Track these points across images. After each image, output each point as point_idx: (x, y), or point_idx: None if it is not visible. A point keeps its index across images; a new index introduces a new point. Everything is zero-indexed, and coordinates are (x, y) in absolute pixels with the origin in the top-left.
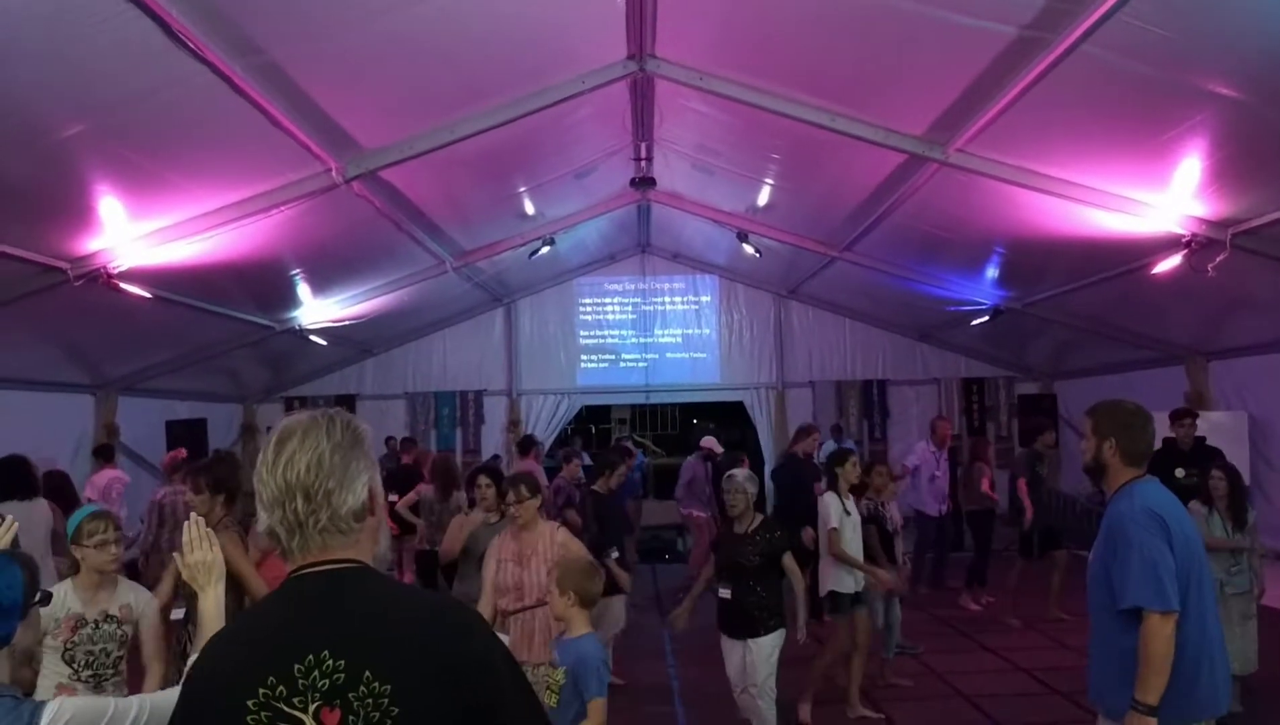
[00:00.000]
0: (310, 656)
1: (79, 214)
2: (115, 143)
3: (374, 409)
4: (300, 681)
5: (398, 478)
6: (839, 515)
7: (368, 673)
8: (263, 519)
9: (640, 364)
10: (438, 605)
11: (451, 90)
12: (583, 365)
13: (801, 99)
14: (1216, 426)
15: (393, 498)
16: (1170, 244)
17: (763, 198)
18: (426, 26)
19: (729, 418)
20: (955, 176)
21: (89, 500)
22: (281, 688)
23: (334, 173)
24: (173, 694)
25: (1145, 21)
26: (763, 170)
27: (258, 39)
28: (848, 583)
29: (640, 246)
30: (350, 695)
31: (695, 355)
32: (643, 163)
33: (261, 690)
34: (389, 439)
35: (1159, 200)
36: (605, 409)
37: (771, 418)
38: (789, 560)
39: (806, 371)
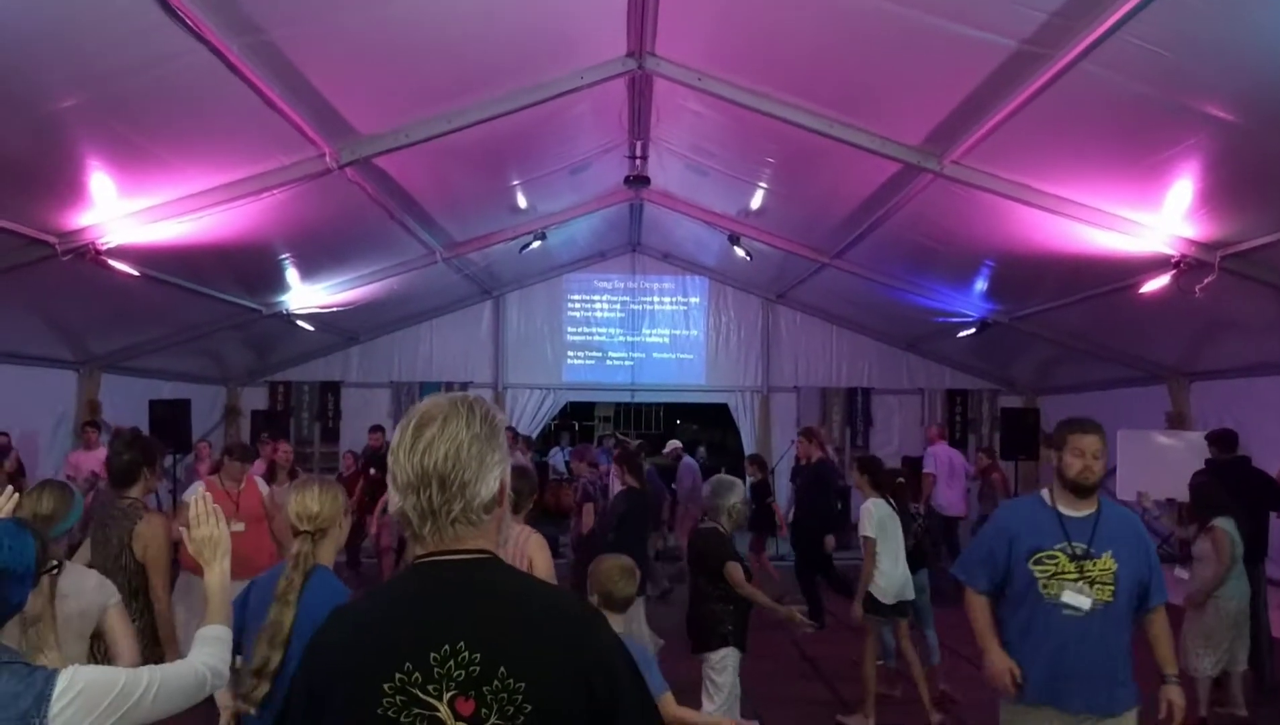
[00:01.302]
0: (446, 646)
1: (69, 188)
2: (108, 117)
3: (358, 397)
4: (436, 670)
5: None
6: (879, 522)
7: (503, 668)
8: (394, 500)
9: (627, 362)
10: (565, 602)
11: (450, 80)
12: (569, 361)
13: (799, 104)
14: (1195, 446)
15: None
16: (1159, 264)
17: (756, 201)
18: (428, 15)
19: (712, 420)
20: (950, 188)
21: (68, 477)
22: (417, 674)
23: (328, 158)
24: (183, 667)
25: (1146, 41)
26: (757, 174)
27: (256, 18)
28: (887, 591)
29: (631, 245)
30: (485, 689)
31: (682, 356)
32: (637, 161)
33: (398, 675)
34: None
35: (1150, 220)
36: (589, 406)
37: (755, 422)
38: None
39: (792, 376)
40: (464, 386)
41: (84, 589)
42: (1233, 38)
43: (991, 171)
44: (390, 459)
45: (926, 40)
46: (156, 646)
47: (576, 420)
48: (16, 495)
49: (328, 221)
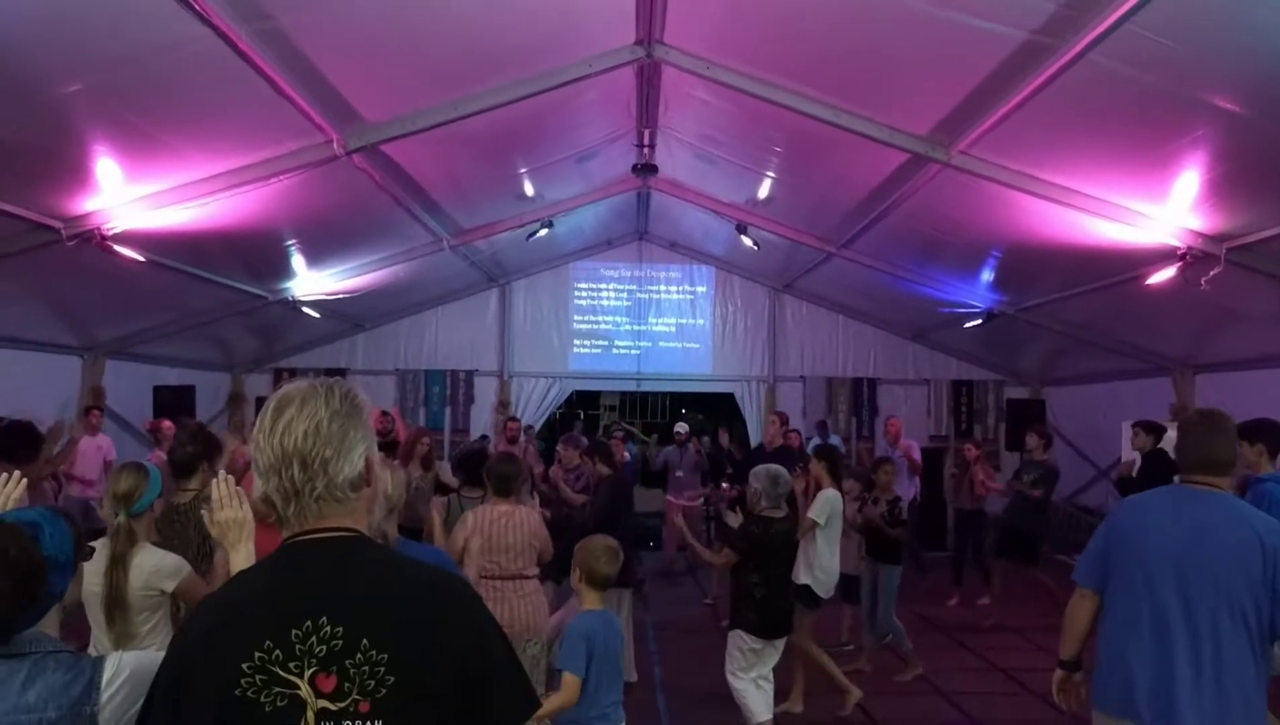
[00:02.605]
0: (308, 622)
1: (74, 173)
2: (114, 102)
3: (364, 384)
4: (297, 647)
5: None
6: (831, 513)
7: (365, 640)
8: (258, 486)
9: (633, 351)
10: (434, 576)
11: (457, 67)
12: (575, 350)
13: (807, 93)
14: None
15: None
16: (1165, 256)
17: (763, 191)
18: (436, 1)
19: (718, 409)
20: (957, 178)
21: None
22: (278, 652)
23: (335, 144)
24: None
25: (1154, 32)
26: (764, 163)
27: (265, 4)
28: (826, 584)
29: (638, 234)
30: (347, 662)
31: (688, 345)
32: (645, 149)
33: (257, 654)
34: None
35: (1157, 212)
36: (595, 395)
37: (761, 411)
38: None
39: (798, 366)
40: (469, 374)
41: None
42: (1240, 29)
43: (999, 162)
44: (251, 445)
45: (935, 30)
46: None
47: (582, 409)
48: (24, 480)
49: (334, 208)
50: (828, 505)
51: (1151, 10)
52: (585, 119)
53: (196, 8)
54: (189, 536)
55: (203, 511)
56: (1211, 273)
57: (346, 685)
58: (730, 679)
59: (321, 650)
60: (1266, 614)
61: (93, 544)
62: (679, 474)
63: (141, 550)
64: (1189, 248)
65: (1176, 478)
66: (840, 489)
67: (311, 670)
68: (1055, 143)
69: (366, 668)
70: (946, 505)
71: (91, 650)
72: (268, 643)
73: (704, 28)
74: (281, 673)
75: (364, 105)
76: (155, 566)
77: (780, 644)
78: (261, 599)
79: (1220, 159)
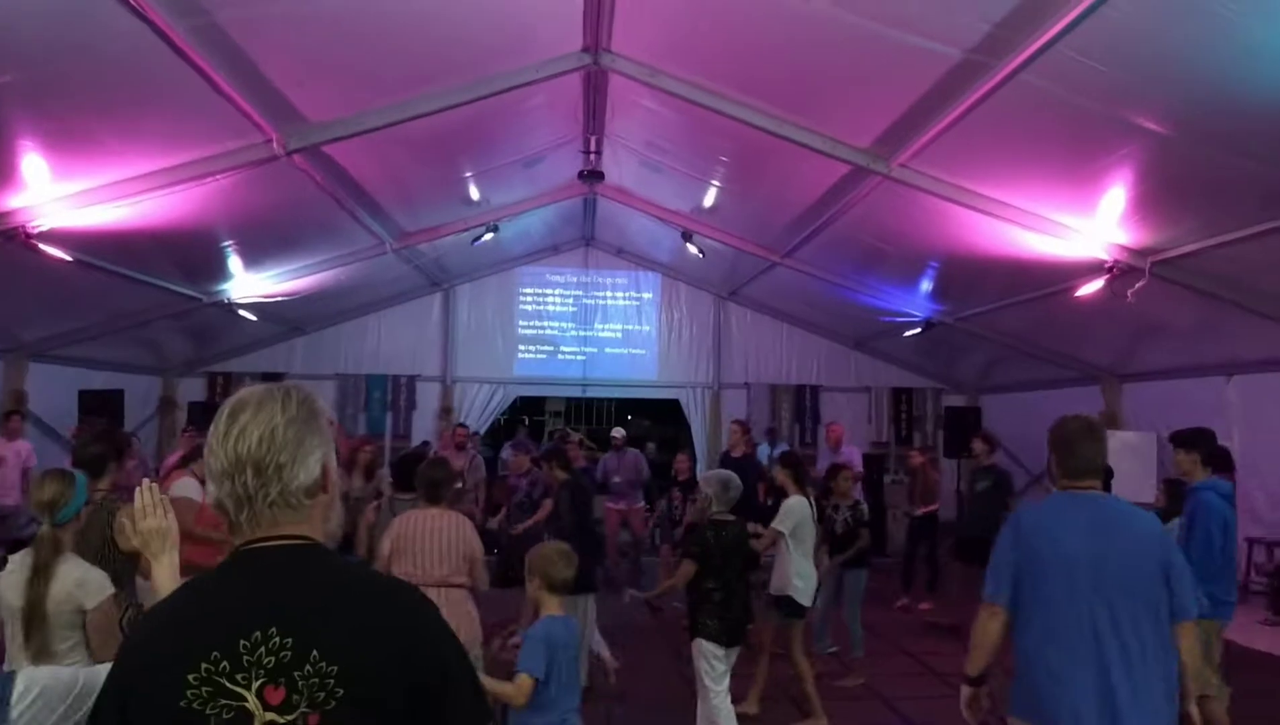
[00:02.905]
0: (257, 633)
1: None
2: (43, 96)
3: None
4: (245, 658)
5: None
6: (798, 521)
7: (315, 652)
8: (211, 491)
9: (579, 357)
10: (386, 585)
11: (403, 69)
12: (520, 355)
13: (752, 103)
14: (1127, 446)
15: None
16: (1094, 269)
17: (709, 199)
18: (382, 3)
19: (664, 416)
20: (897, 190)
21: None
22: (225, 663)
23: (274, 144)
24: None
25: (1083, 55)
26: (710, 172)
27: (204, 0)
28: (806, 592)
29: (584, 240)
30: (296, 674)
31: (634, 351)
32: (592, 156)
33: (204, 665)
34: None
35: (1085, 226)
36: (540, 400)
37: (706, 417)
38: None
39: (743, 373)
40: (411, 379)
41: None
42: (1163, 55)
43: (937, 175)
44: (205, 449)
45: (876, 47)
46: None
47: (527, 415)
48: None
49: (274, 209)
50: (793, 514)
51: (1080, 34)
52: (532, 124)
53: (131, 2)
54: (91, 539)
55: (124, 520)
56: (1137, 285)
57: (295, 697)
58: (709, 692)
59: (270, 661)
60: (1166, 600)
61: (2, 554)
62: (616, 480)
63: (66, 561)
64: (1116, 261)
65: (1063, 484)
66: (806, 495)
67: (260, 682)
68: (990, 158)
69: (316, 679)
70: (886, 510)
71: (6, 666)
72: (215, 653)
73: (651, 36)
74: (228, 684)
75: (306, 105)
76: (80, 579)
77: (735, 652)
78: (210, 608)
79: (1145, 176)
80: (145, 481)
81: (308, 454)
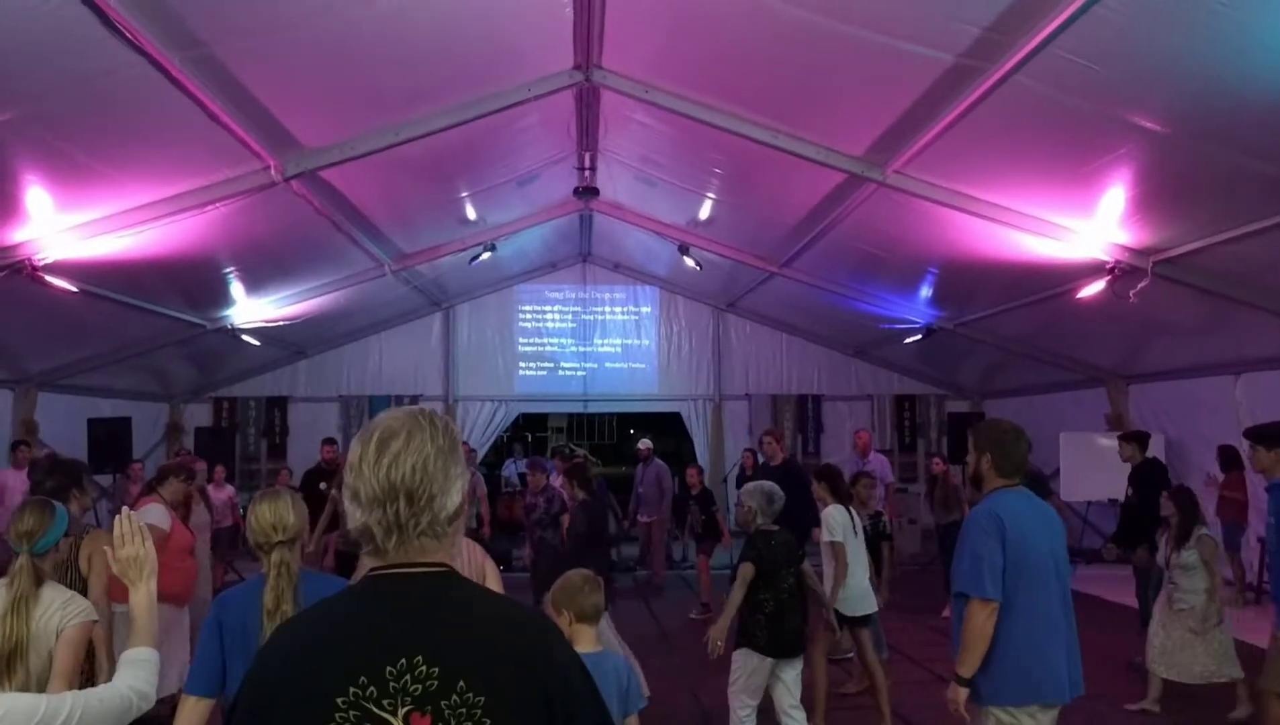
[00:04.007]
0: (403, 660)
1: (3, 202)
2: (44, 131)
3: (306, 411)
4: (391, 684)
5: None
6: (843, 530)
7: (462, 682)
8: (356, 516)
9: (579, 373)
10: (524, 615)
11: (396, 92)
12: (521, 372)
13: (745, 115)
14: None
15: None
16: (1095, 270)
17: (704, 211)
18: (374, 27)
19: (665, 428)
20: (892, 197)
21: None
22: (372, 689)
23: (272, 171)
24: (107, 691)
25: (1076, 55)
26: (705, 184)
27: (199, 31)
28: (851, 601)
29: (582, 256)
30: (442, 703)
31: (634, 365)
32: (586, 172)
33: (352, 689)
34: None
35: (1085, 227)
36: (542, 417)
37: (708, 429)
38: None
39: (743, 384)
40: (414, 399)
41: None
42: (1158, 52)
43: (932, 181)
44: (351, 474)
45: (868, 54)
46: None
47: (529, 431)
48: None
49: (273, 234)
50: (838, 524)
51: (1072, 34)
52: (526, 142)
53: (127, 35)
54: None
55: (105, 547)
56: (1140, 286)
57: None
58: (736, 702)
59: (417, 689)
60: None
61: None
62: (640, 490)
63: (47, 588)
64: (1117, 262)
65: (1000, 482)
66: (845, 506)
67: (406, 709)
68: (986, 162)
69: (464, 710)
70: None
71: None
72: (362, 678)
73: (642, 52)
74: (375, 709)
75: (301, 131)
76: (66, 600)
77: (798, 663)
78: (353, 632)
79: (1143, 176)
80: (124, 509)
81: (453, 483)
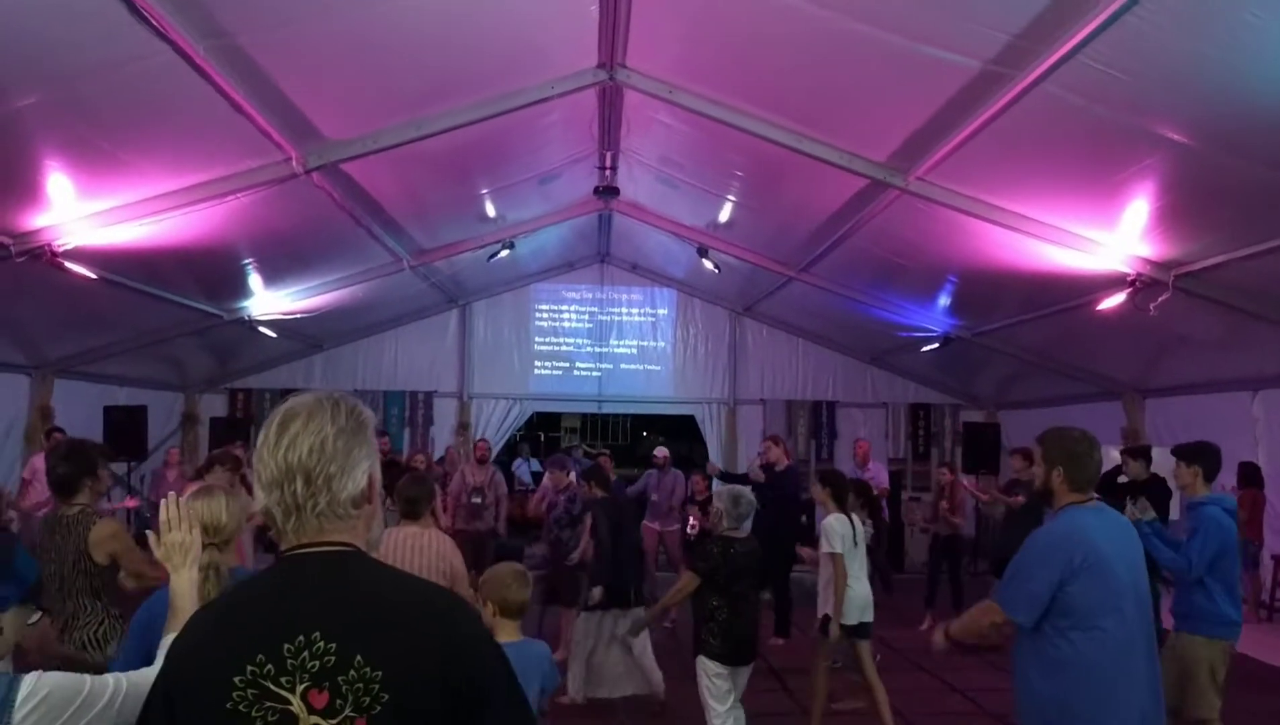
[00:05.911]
0: (301, 637)
1: (25, 188)
2: (68, 117)
3: None
4: (289, 661)
5: None
6: (843, 539)
7: (359, 657)
8: (260, 499)
9: (594, 373)
10: (429, 591)
11: (419, 87)
12: (536, 371)
13: (768, 118)
14: (1155, 463)
15: None
16: (1116, 282)
17: (724, 214)
18: (398, 21)
19: (679, 432)
20: (914, 204)
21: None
22: (270, 666)
23: (294, 162)
24: (151, 673)
25: (1104, 64)
26: (725, 187)
27: (225, 21)
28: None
29: (600, 256)
30: (340, 679)
31: (649, 367)
32: (607, 172)
33: (249, 668)
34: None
35: (1107, 239)
36: (556, 417)
37: (722, 433)
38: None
39: (758, 389)
40: (429, 395)
41: None
42: (1186, 62)
43: (955, 188)
44: (255, 457)
45: (894, 59)
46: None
47: (543, 431)
48: None
49: (293, 226)
50: (838, 534)
51: (1102, 43)
52: (547, 140)
53: (153, 22)
54: (65, 549)
55: (148, 533)
56: (1160, 299)
57: (339, 702)
58: (710, 711)
59: (314, 665)
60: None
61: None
62: (654, 498)
63: None
64: (1138, 274)
65: (1073, 498)
66: (846, 514)
67: (304, 685)
68: (1009, 170)
69: (360, 684)
70: (904, 527)
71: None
72: (260, 656)
73: (666, 52)
74: (273, 686)
75: (324, 123)
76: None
77: (746, 671)
78: (256, 612)
79: (1168, 188)
80: (171, 494)
81: (355, 465)
